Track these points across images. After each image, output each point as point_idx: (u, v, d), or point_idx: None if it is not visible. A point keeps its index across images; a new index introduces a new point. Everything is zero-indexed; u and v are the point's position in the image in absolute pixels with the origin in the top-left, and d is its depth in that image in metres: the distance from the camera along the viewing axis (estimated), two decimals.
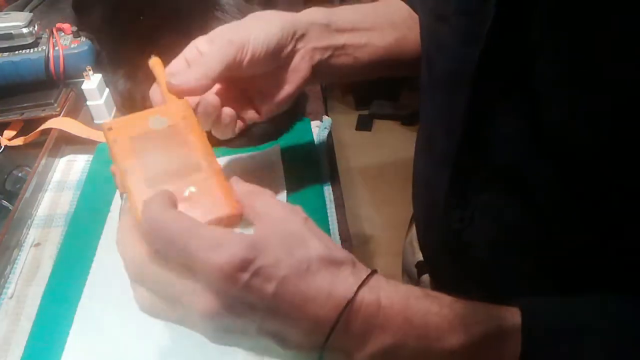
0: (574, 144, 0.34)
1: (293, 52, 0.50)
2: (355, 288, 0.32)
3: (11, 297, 0.54)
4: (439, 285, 0.62)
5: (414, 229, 0.71)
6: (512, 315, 0.34)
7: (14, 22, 0.77)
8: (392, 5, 0.59)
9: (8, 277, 0.56)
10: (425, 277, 0.65)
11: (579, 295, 0.35)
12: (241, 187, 0.37)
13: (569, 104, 0.33)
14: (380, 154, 2.10)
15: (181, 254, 0.31)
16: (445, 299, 0.34)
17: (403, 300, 0.33)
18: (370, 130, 2.30)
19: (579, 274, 0.39)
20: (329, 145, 0.69)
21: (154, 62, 0.47)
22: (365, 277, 0.33)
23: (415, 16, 0.56)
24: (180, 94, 0.44)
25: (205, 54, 0.47)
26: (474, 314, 0.33)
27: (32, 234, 0.61)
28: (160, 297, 0.34)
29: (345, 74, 0.57)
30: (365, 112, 2.35)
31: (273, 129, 0.68)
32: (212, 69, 0.45)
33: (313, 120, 0.72)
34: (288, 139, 0.68)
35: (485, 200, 0.43)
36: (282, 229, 0.33)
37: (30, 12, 0.93)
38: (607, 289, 0.34)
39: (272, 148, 0.66)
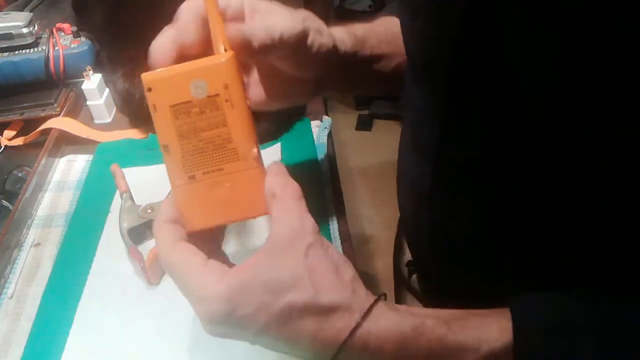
0: (546, 129, 0.34)
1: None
2: (340, 338, 0.33)
3: (11, 297, 0.54)
4: (427, 283, 0.62)
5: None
6: (502, 332, 0.34)
7: (14, 22, 0.77)
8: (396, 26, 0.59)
9: (8, 277, 0.56)
10: (415, 278, 0.66)
11: (564, 287, 0.35)
12: (270, 182, 0.36)
13: (541, 90, 0.33)
14: (380, 154, 2.10)
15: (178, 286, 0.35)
16: (436, 329, 0.34)
17: (393, 340, 0.34)
18: (370, 130, 2.29)
19: (563, 265, 0.38)
20: (329, 145, 0.69)
21: None
22: (354, 325, 0.33)
23: None
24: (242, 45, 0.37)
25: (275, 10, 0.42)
26: (464, 341, 0.34)
27: (32, 234, 0.61)
28: None
29: (356, 83, 0.56)
30: (365, 112, 2.35)
31: (273, 128, 0.68)
32: (289, 26, 0.40)
33: (313, 120, 0.72)
34: (288, 139, 0.68)
35: (468, 189, 0.42)
36: (275, 268, 0.33)
37: (30, 12, 0.93)
38: (591, 282, 0.34)
39: (272, 148, 0.66)
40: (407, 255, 0.68)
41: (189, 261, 0.35)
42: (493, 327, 0.34)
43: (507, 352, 0.34)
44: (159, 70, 0.37)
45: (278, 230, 0.34)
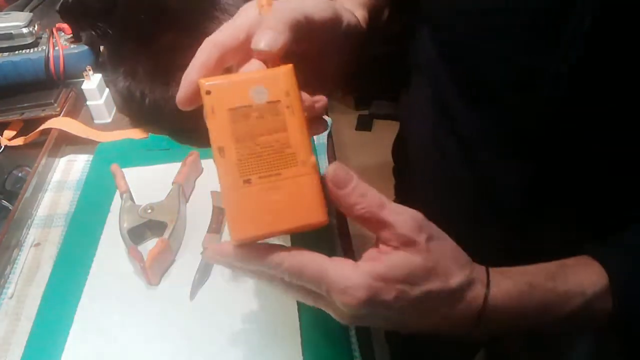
0: None
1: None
2: (474, 310, 0.36)
3: (11, 297, 0.54)
4: None
5: None
6: (599, 276, 0.38)
7: (14, 22, 0.77)
8: None
9: (8, 277, 0.56)
10: None
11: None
12: (360, 189, 0.37)
13: None
14: (380, 154, 2.10)
15: (317, 289, 0.36)
16: (546, 283, 0.38)
17: (516, 298, 0.37)
18: (370, 130, 2.29)
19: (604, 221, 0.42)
20: (329, 145, 0.69)
21: None
22: (484, 295, 0.37)
23: None
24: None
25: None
26: (570, 288, 0.38)
27: (32, 234, 0.61)
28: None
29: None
30: (365, 112, 2.35)
31: None
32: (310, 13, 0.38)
33: None
34: None
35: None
36: (407, 264, 0.35)
37: (30, 12, 0.93)
38: None
39: None
40: None
41: (319, 261, 0.35)
42: (591, 273, 0.39)
43: (606, 292, 0.38)
44: (219, 77, 0.37)
45: (399, 231, 0.35)
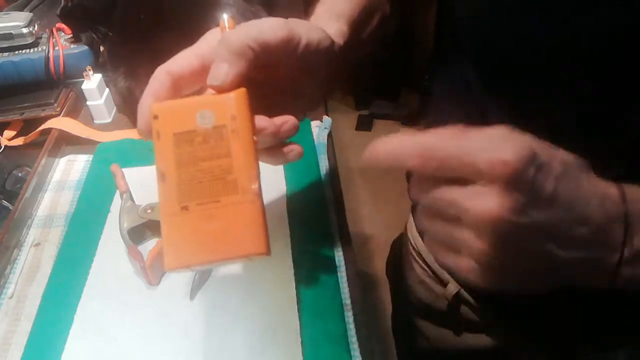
0: None
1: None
2: (615, 192, 0.31)
3: (11, 297, 0.54)
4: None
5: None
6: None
7: (14, 22, 0.77)
8: None
9: (8, 277, 0.56)
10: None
11: None
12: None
13: None
14: None
15: (462, 160, 0.30)
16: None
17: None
18: (370, 130, 2.30)
19: None
20: (329, 145, 0.69)
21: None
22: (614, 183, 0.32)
23: None
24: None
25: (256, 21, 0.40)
26: None
27: (32, 234, 0.61)
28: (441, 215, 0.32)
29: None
30: (365, 112, 2.35)
31: None
32: (267, 35, 0.38)
33: (313, 120, 0.72)
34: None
35: None
36: (526, 138, 0.31)
37: (30, 12, 0.93)
38: None
39: None
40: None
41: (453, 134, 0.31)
42: None
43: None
44: (169, 101, 0.36)
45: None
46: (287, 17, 0.43)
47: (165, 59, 0.48)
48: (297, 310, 0.50)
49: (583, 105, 0.39)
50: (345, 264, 0.56)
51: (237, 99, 0.36)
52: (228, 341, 0.48)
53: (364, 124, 2.31)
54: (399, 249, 0.75)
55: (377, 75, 2.20)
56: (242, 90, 0.36)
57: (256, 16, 0.72)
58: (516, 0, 0.40)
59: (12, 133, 0.75)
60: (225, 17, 0.40)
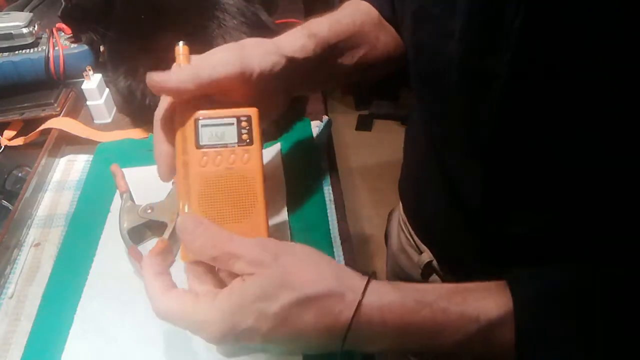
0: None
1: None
2: (347, 314, 0.35)
3: (11, 297, 0.54)
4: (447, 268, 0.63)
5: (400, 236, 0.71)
6: (501, 304, 0.36)
7: (14, 22, 0.77)
8: (364, 13, 0.58)
9: (8, 277, 0.56)
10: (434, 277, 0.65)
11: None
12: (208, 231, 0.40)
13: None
14: (380, 154, 2.10)
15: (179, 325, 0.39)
16: (439, 302, 0.37)
17: (397, 313, 0.36)
18: (370, 130, 2.30)
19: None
20: (329, 145, 0.69)
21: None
22: (357, 304, 0.35)
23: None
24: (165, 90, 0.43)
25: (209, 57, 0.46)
26: (464, 312, 0.36)
27: (32, 234, 0.61)
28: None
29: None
30: (365, 112, 2.35)
31: (273, 128, 0.68)
32: (217, 71, 0.43)
33: (313, 120, 0.72)
34: (288, 139, 0.68)
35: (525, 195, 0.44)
36: (257, 282, 0.36)
37: (30, 12, 0.93)
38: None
39: (272, 148, 0.66)
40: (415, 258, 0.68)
41: (183, 301, 0.38)
42: (490, 300, 0.37)
43: (504, 322, 0.36)
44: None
45: (248, 257, 0.38)
46: (286, 17, 0.45)
47: (165, 59, 0.48)
48: None
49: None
50: (345, 263, 0.56)
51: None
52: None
53: (364, 124, 2.31)
54: (392, 217, 0.78)
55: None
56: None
57: (256, 16, 0.72)
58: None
59: (12, 133, 0.75)
60: (180, 44, 0.45)
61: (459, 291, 0.38)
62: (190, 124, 0.42)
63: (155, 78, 0.41)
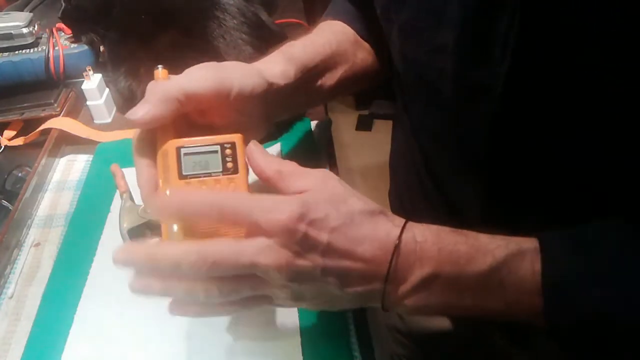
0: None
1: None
2: (396, 231, 0.37)
3: (11, 297, 0.54)
4: None
5: None
6: (531, 241, 0.38)
7: (14, 22, 0.77)
8: (340, 32, 0.58)
9: (8, 277, 0.56)
10: None
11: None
12: (269, 165, 0.39)
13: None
14: (380, 154, 2.10)
15: (247, 218, 0.35)
16: (471, 232, 0.39)
17: (434, 235, 0.38)
18: (370, 130, 2.30)
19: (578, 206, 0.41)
20: (329, 145, 0.69)
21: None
22: (403, 222, 0.38)
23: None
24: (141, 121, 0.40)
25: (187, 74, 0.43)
26: (496, 241, 0.38)
27: (32, 234, 0.61)
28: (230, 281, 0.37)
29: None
30: (365, 112, 2.35)
31: (274, 128, 0.68)
32: (194, 88, 0.41)
33: (313, 120, 0.72)
34: (288, 139, 0.68)
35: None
36: (325, 189, 0.37)
37: (30, 12, 0.93)
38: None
39: (273, 148, 0.66)
40: None
41: (245, 193, 0.39)
42: (517, 237, 0.39)
43: (532, 251, 0.37)
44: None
45: (309, 174, 0.38)
46: (286, 17, 0.44)
47: (165, 58, 0.48)
48: (297, 311, 0.50)
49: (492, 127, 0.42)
50: None
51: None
52: (228, 341, 0.48)
53: (364, 124, 2.31)
54: None
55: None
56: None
57: (256, 16, 0.72)
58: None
59: (12, 133, 0.75)
60: (159, 68, 0.43)
61: (473, 232, 0.39)
62: (172, 152, 0.39)
63: (130, 116, 0.40)
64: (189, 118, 0.44)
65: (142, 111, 0.39)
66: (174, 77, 0.42)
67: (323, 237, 0.35)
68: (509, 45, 0.37)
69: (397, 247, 0.36)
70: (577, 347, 0.38)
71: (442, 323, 0.64)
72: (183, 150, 0.40)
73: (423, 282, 0.37)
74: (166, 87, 0.40)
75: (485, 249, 0.37)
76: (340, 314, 0.50)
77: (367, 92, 2.33)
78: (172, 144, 0.40)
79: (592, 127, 0.37)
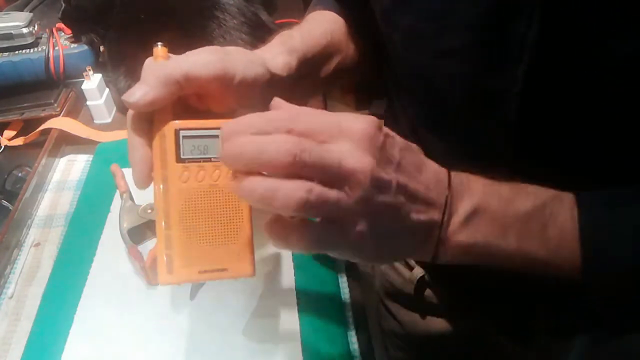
0: None
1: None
2: (445, 171, 0.38)
3: (11, 297, 0.54)
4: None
5: None
6: (567, 193, 0.39)
7: (14, 22, 0.77)
8: (332, 22, 0.58)
9: (8, 277, 0.56)
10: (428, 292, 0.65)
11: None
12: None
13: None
14: None
15: (333, 125, 0.35)
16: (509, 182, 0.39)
17: (476, 176, 0.39)
18: None
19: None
20: None
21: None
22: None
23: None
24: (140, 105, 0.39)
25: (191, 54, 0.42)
26: (536, 186, 0.39)
27: (32, 234, 0.61)
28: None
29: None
30: (366, 112, 2.35)
31: None
32: (198, 68, 0.40)
33: None
34: None
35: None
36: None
37: (30, 12, 0.93)
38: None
39: None
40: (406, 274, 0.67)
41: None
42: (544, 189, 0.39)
43: (571, 200, 0.38)
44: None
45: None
46: (286, 17, 0.44)
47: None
48: (297, 311, 0.50)
49: (515, 135, 0.42)
50: (346, 266, 0.56)
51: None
52: (228, 341, 0.48)
53: None
54: None
55: (376, 76, 2.21)
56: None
57: (256, 16, 0.72)
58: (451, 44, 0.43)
59: (12, 133, 0.75)
60: (158, 45, 0.42)
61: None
62: (170, 134, 0.37)
63: (126, 98, 0.39)
64: (185, 100, 0.42)
65: (139, 93, 0.38)
66: (174, 57, 0.41)
67: (396, 153, 0.36)
68: (527, 46, 0.37)
69: (450, 178, 0.37)
70: (611, 303, 0.39)
71: (441, 325, 0.64)
72: (182, 133, 0.38)
73: (472, 214, 0.37)
74: (167, 68, 0.39)
75: (526, 191, 0.38)
76: (340, 314, 0.50)
77: (366, 92, 2.34)
78: (171, 126, 0.38)
79: (610, 126, 0.37)
